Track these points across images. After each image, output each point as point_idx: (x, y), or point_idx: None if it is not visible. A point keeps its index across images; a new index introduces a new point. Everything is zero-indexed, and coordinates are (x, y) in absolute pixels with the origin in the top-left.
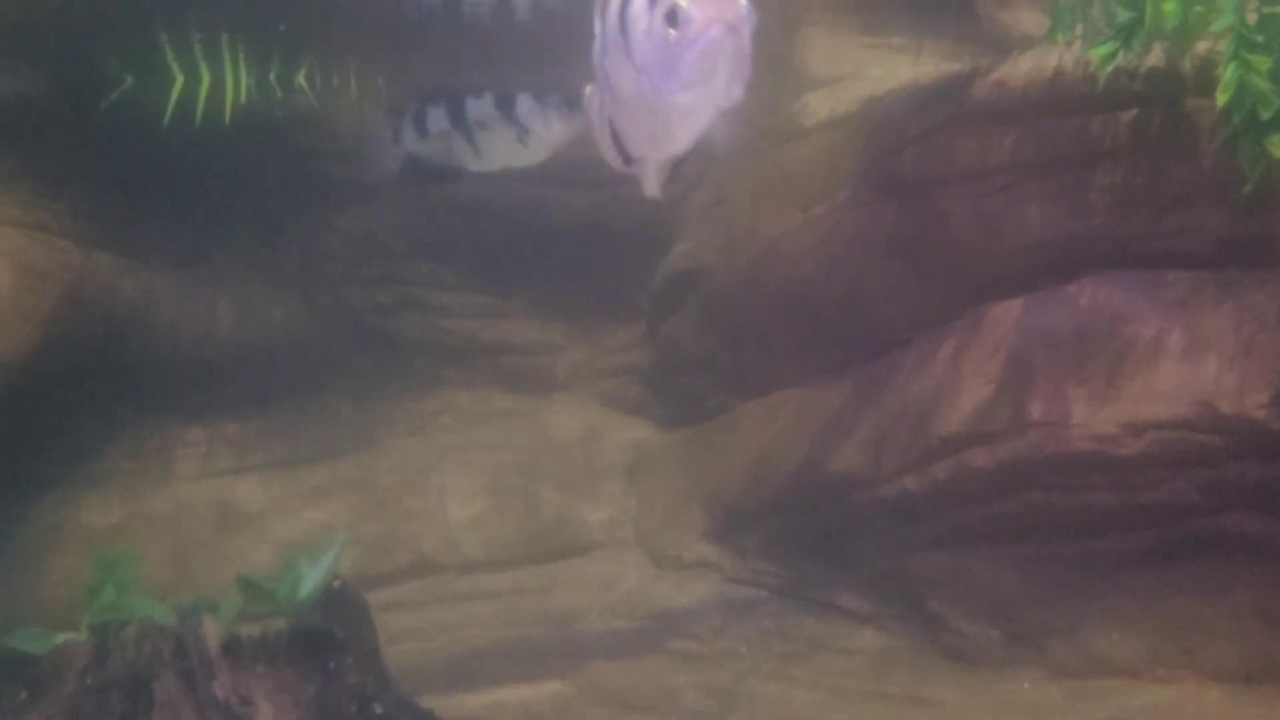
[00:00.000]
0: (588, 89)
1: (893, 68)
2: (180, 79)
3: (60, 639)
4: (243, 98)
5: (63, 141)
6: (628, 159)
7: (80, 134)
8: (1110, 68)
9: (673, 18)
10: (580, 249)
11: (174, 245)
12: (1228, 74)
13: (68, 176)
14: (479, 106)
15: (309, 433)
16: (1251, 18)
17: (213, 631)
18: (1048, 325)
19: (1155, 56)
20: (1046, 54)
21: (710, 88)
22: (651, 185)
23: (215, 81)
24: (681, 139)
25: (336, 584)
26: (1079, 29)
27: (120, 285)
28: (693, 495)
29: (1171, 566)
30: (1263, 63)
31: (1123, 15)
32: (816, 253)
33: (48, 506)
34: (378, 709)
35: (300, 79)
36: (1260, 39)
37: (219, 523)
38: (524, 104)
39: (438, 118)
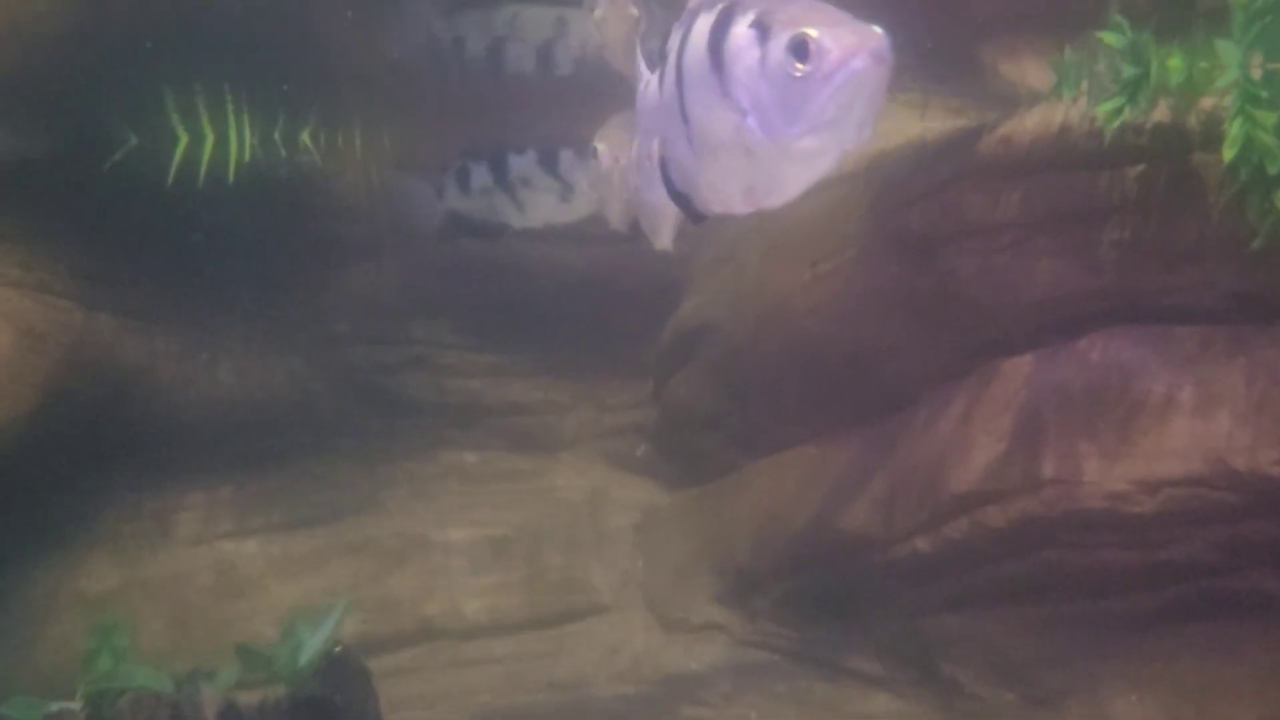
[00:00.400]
0: (599, 144)
1: (899, 123)
2: (184, 138)
3: (54, 708)
4: (246, 157)
5: (64, 201)
6: (696, 215)
7: (82, 193)
8: (1117, 123)
9: (800, 50)
10: (586, 306)
11: (176, 305)
12: (1233, 130)
13: (69, 236)
14: (521, 163)
15: (310, 495)
16: (1256, 73)
17: (210, 700)
18: (1059, 381)
19: (1161, 112)
20: (1053, 109)
21: (841, 130)
22: (665, 239)
23: (219, 140)
24: (791, 189)
25: (337, 650)
26: (1084, 85)
27: (121, 346)
28: (701, 556)
29: (1188, 626)
30: (1268, 118)
31: (1128, 71)
32: (825, 309)
33: (44, 571)
34: None
35: (305, 138)
36: (1265, 94)
37: (218, 588)
38: (566, 160)
39: (480, 174)
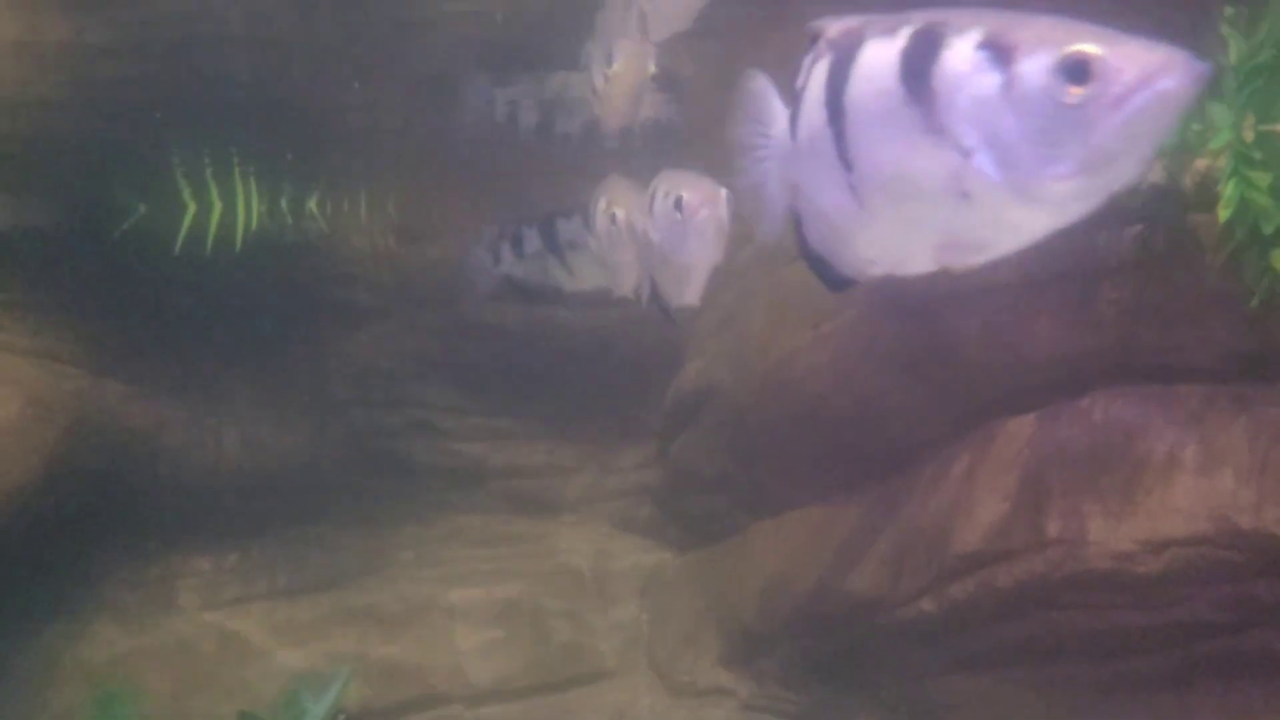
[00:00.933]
0: (602, 202)
1: None
2: (192, 207)
3: None
4: (254, 224)
5: (73, 269)
6: (840, 281)
7: (90, 262)
8: None
9: (1078, 71)
10: (589, 369)
11: (182, 372)
12: (1228, 191)
13: (77, 304)
14: (569, 227)
15: (314, 560)
16: (1248, 135)
17: None
18: (1061, 440)
19: (1156, 174)
20: None
21: (1119, 167)
22: (692, 296)
23: (227, 209)
24: (1017, 241)
25: (341, 718)
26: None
27: (127, 413)
28: (707, 619)
29: (1196, 688)
30: (1262, 179)
31: None
32: (828, 369)
33: (47, 638)
34: None
35: (311, 205)
36: (1258, 156)
37: (222, 655)
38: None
39: (532, 239)
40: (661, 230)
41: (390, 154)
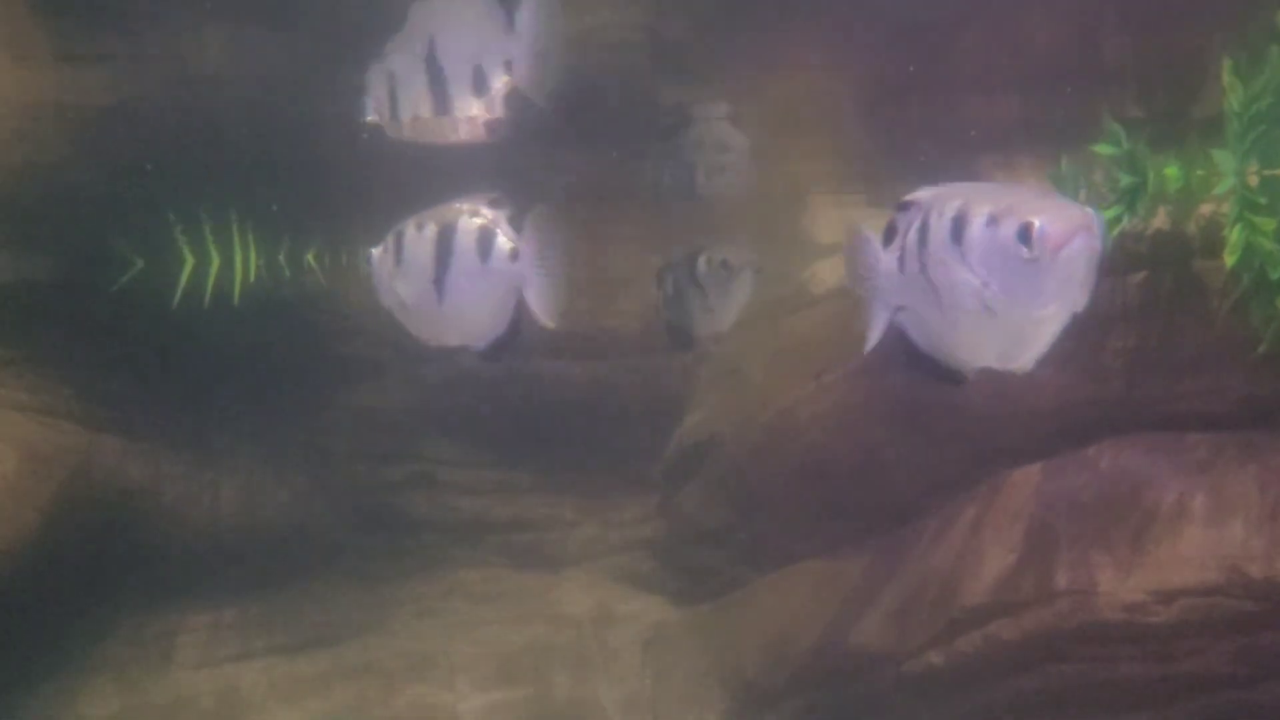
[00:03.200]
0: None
1: None
2: (191, 261)
3: None
4: (252, 278)
5: (71, 324)
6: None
7: (88, 317)
8: (1116, 231)
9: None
10: (589, 421)
11: (180, 426)
12: (1234, 236)
13: (75, 359)
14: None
15: (314, 616)
16: (1252, 180)
17: None
18: (1069, 490)
19: (1160, 220)
20: None
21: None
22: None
23: (225, 262)
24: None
25: None
26: (1082, 194)
27: (125, 468)
28: (710, 673)
29: None
30: (1268, 224)
31: (1125, 180)
32: (830, 420)
33: (43, 696)
34: None
35: (310, 258)
36: (1263, 201)
37: (220, 712)
38: (701, 267)
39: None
40: (989, 270)
41: (391, 206)
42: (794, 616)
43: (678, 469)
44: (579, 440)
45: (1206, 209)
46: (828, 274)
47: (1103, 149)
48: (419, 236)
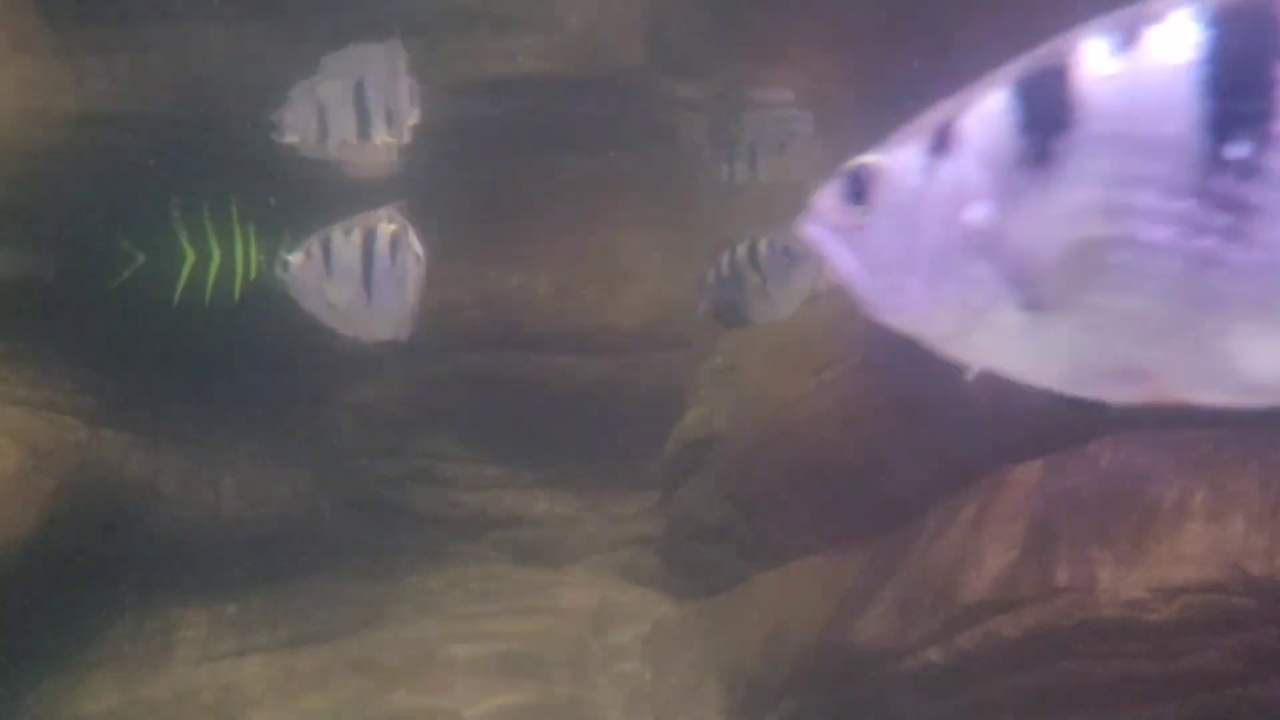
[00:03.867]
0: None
1: None
2: (191, 256)
3: None
4: (253, 274)
5: (72, 320)
6: None
7: (89, 312)
8: None
9: None
10: (590, 418)
11: (181, 421)
12: None
13: (76, 354)
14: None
15: (314, 612)
16: None
17: None
18: (1069, 488)
19: None
20: None
21: None
22: None
23: (226, 258)
24: None
25: None
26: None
27: (126, 463)
28: (710, 670)
29: None
30: None
31: None
32: (830, 417)
33: (44, 691)
34: None
35: None
36: None
37: (219, 708)
38: (763, 251)
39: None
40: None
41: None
42: (794, 613)
43: (678, 465)
44: (580, 436)
45: None
46: (829, 271)
47: None
48: (346, 242)
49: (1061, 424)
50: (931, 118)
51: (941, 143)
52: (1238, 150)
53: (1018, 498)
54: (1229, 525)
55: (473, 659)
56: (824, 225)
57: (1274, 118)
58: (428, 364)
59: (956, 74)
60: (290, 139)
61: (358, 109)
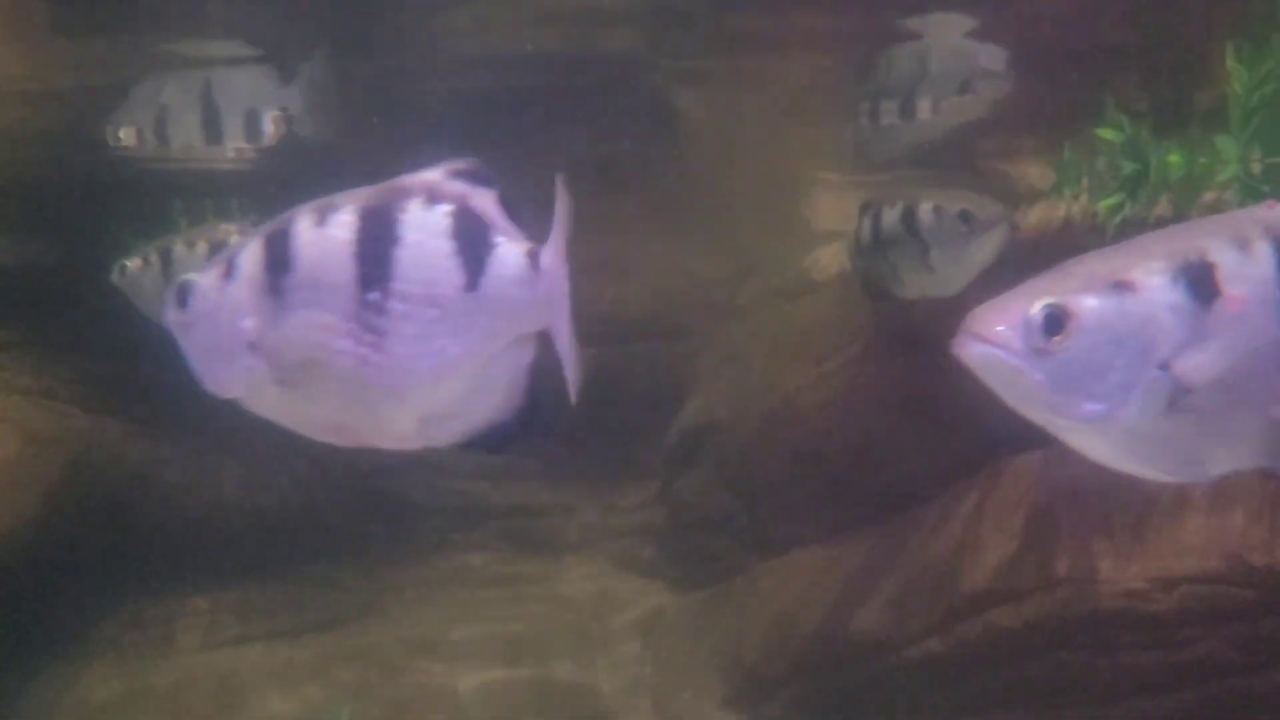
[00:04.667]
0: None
1: None
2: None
3: None
4: None
5: (72, 308)
6: None
7: (90, 301)
8: (1118, 219)
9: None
10: (590, 407)
11: (181, 410)
12: None
13: (76, 343)
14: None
15: (314, 600)
16: (1255, 168)
17: None
18: (1070, 478)
19: (1163, 208)
20: (1054, 205)
21: None
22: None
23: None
24: None
25: None
26: (1084, 181)
27: (127, 452)
28: (710, 660)
29: None
30: None
31: (1127, 168)
32: (831, 406)
33: (46, 679)
34: None
35: None
36: (1266, 188)
37: (220, 696)
38: (925, 215)
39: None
40: None
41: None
42: (794, 603)
43: (678, 455)
44: (580, 426)
45: (1210, 196)
46: (829, 260)
47: (1105, 133)
48: (190, 253)
49: None
50: None
51: None
52: (372, 296)
53: (1018, 488)
54: (1229, 516)
55: (472, 647)
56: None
57: (392, 278)
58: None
59: None
60: (126, 140)
61: (204, 113)
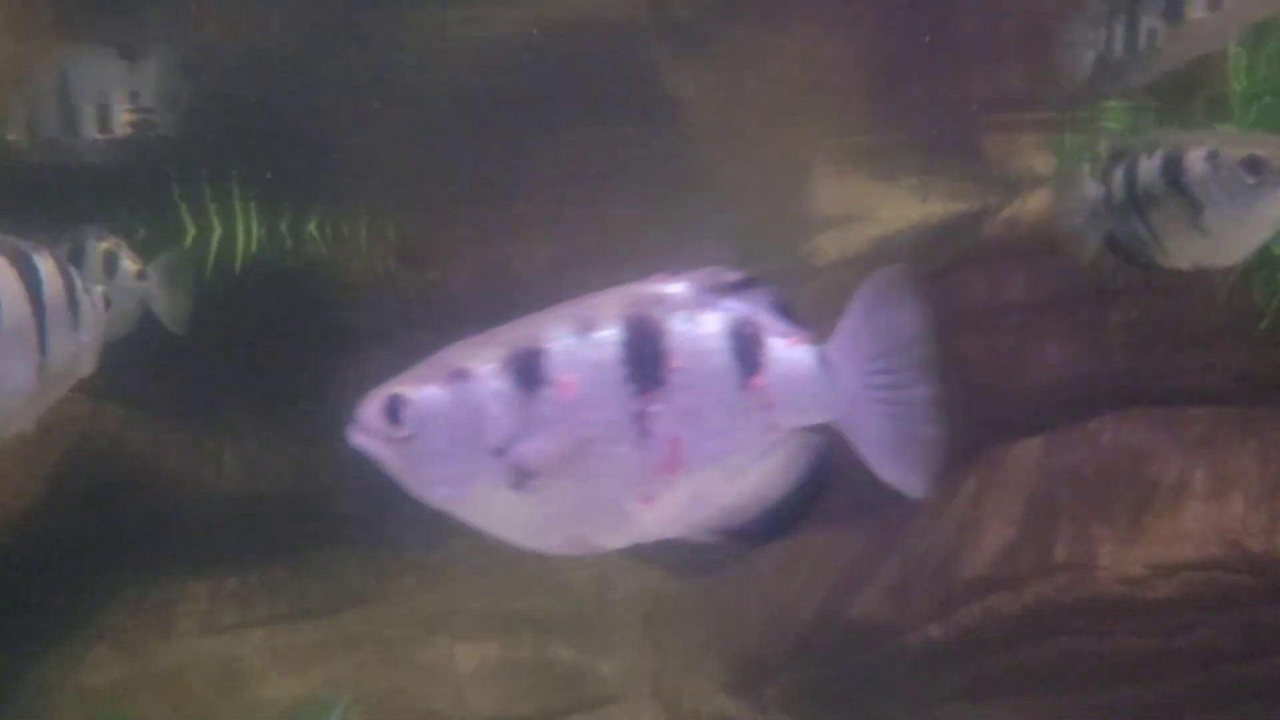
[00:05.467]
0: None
1: (901, 208)
2: (192, 230)
3: None
4: (254, 247)
5: None
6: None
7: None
8: None
9: None
10: None
11: (182, 395)
12: None
13: None
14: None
15: (315, 585)
16: None
17: None
18: (1070, 465)
19: None
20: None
21: None
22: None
23: (226, 232)
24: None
25: None
26: (1087, 166)
27: (127, 437)
28: (710, 645)
29: (1208, 716)
30: None
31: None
32: None
33: (46, 665)
34: None
35: (311, 228)
36: None
37: (221, 681)
38: (1195, 165)
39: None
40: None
41: (392, 177)
42: (794, 589)
43: None
44: None
45: None
46: (830, 246)
47: (1108, 119)
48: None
49: (1062, 401)
50: None
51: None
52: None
53: (1018, 474)
54: (1229, 503)
55: (472, 632)
56: None
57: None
58: (428, 338)
59: None
60: (12, 138)
61: (61, 106)
